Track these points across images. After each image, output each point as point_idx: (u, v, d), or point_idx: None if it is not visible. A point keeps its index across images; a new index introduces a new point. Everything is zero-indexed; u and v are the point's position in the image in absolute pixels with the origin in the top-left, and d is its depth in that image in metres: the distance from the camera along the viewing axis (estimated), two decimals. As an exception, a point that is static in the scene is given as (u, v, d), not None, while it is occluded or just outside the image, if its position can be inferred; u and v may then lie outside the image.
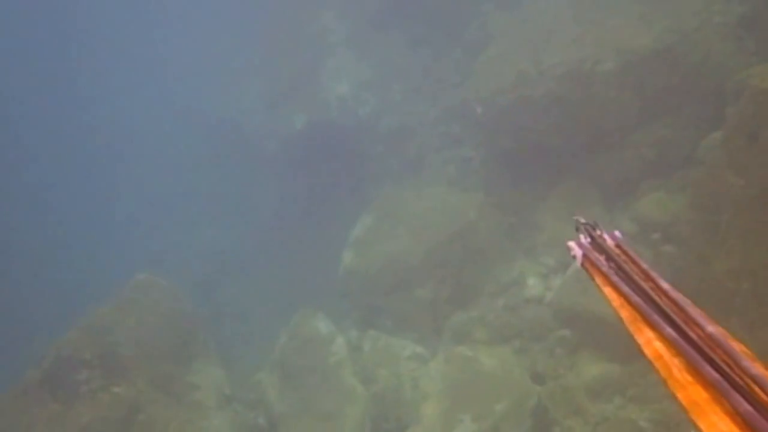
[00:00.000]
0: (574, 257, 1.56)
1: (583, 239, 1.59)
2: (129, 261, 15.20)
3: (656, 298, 1.27)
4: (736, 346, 1.05)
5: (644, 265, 1.40)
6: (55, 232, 17.07)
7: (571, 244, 1.58)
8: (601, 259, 1.49)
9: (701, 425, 0.94)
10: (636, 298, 1.29)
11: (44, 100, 22.39)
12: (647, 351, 1.17)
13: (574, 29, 7.80)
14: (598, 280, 1.45)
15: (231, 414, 8.34)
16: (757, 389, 0.94)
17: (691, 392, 1.01)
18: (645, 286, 1.32)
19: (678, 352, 1.11)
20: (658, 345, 1.16)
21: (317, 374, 8.47)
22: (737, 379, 0.99)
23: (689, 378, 1.04)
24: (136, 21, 22.56)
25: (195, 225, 16.22)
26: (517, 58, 8.09)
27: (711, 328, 1.12)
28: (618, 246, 1.52)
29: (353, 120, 11.23)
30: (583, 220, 1.63)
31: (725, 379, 0.99)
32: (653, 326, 1.20)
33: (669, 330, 1.16)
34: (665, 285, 1.30)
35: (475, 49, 9.90)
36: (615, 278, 1.39)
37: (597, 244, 1.55)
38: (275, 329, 12.61)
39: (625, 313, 1.29)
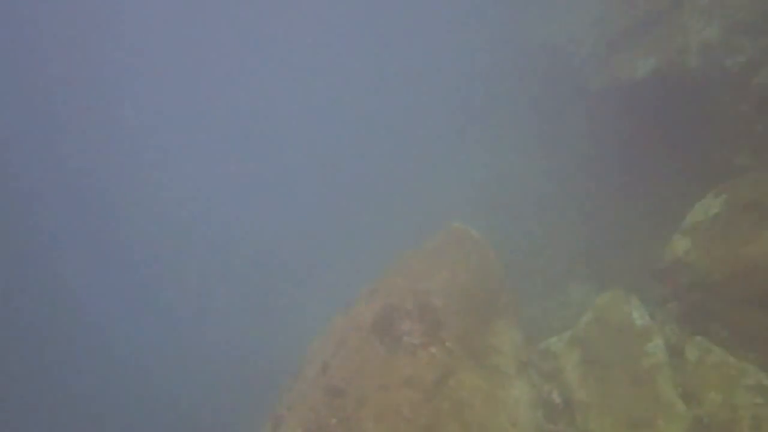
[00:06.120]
0: None
1: None
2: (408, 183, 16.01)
3: None
4: None
5: None
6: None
7: None
8: None
9: None
10: None
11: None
12: None
13: None
14: None
15: (528, 384, 8.22)
16: None
17: None
18: None
19: None
20: None
21: (627, 372, 7.69)
22: None
23: None
24: None
25: (498, 152, 15.94)
26: None
27: None
28: None
29: (717, 71, 9.11)
30: None
31: None
32: None
33: None
34: None
35: None
36: None
37: None
38: (557, 284, 12.04)
39: None
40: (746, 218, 7.61)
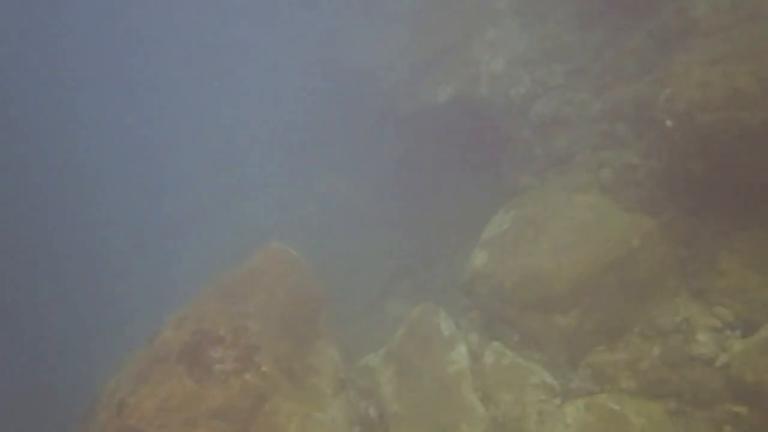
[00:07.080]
0: None
1: None
2: (250, 202, 15.55)
3: None
4: None
5: None
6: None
7: None
8: None
9: None
10: None
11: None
12: None
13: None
14: None
15: (345, 402, 8.23)
16: None
17: None
18: None
19: None
20: None
21: (435, 380, 8.10)
22: None
23: None
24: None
25: (315, 173, 16.10)
26: (734, 69, 6.67)
27: None
28: None
29: (502, 100, 10.18)
30: None
31: None
32: None
33: None
34: None
35: (667, 39, 8.43)
36: None
37: None
38: (376, 302, 12.42)
39: None
40: (528, 232, 8.53)
